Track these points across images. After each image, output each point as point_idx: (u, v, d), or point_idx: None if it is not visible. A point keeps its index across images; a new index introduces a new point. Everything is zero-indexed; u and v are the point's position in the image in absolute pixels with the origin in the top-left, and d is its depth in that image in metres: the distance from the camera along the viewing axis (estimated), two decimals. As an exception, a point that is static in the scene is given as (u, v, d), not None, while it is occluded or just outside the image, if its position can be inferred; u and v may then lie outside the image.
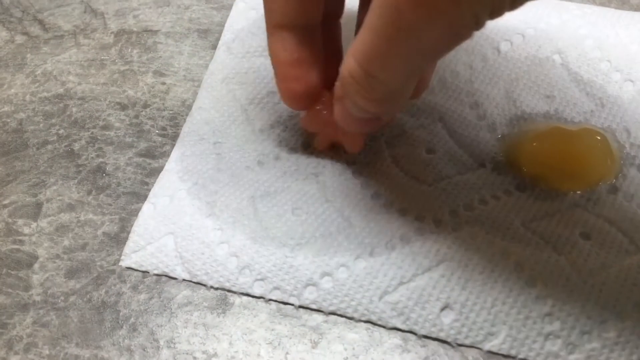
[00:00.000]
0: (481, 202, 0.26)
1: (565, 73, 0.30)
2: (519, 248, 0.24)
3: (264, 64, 0.32)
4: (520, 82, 0.31)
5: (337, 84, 0.23)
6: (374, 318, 0.24)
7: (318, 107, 0.26)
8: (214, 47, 0.33)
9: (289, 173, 0.28)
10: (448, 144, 0.29)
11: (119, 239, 0.27)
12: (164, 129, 0.30)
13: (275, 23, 0.23)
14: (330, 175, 0.28)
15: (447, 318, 0.23)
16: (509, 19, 0.32)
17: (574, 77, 0.30)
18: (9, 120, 0.31)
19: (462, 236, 0.25)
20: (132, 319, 0.25)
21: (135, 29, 0.34)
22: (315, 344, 0.24)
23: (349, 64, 0.20)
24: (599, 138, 0.28)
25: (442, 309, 0.23)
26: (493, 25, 0.32)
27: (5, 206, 0.28)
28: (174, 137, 0.30)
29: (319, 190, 0.27)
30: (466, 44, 0.31)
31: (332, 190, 0.27)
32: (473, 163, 0.28)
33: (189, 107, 0.31)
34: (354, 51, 0.20)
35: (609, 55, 0.30)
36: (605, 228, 0.25)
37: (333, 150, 0.28)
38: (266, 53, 0.32)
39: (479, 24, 0.18)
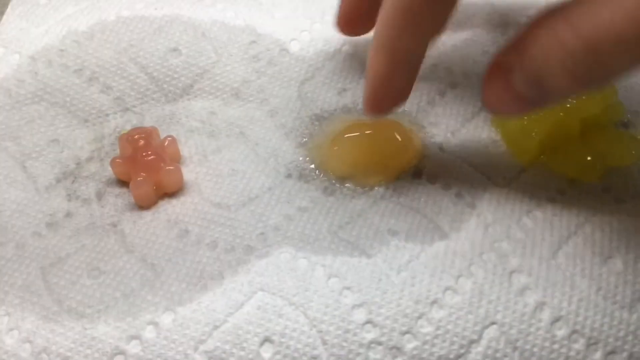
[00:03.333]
0: (287, 218, 0.25)
1: (356, 63, 0.30)
2: (330, 259, 0.23)
3: (38, 111, 0.29)
4: (314, 80, 0.30)
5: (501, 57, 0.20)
6: (192, 372, 0.22)
7: None
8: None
9: (83, 230, 0.25)
10: (252, 160, 0.27)
11: None
12: None
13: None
14: (129, 221, 0.26)
15: (267, 353, 0.22)
16: (297, 17, 0.31)
17: (365, 65, 0.30)
18: None
19: (273, 261, 0.24)
20: None
21: None
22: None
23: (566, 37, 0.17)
24: (394, 125, 0.27)
25: (262, 344, 0.22)
26: (278, 26, 0.30)
27: None
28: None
29: (117, 242, 0.25)
30: (254, 50, 0.30)
31: (131, 239, 0.25)
32: (278, 175, 0.27)
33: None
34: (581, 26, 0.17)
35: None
36: (410, 217, 0.25)
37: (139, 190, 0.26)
38: (40, 98, 0.29)
39: None
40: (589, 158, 0.25)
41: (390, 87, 0.22)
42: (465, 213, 0.25)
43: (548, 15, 0.19)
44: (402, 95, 0.23)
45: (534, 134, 0.25)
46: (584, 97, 0.26)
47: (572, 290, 0.22)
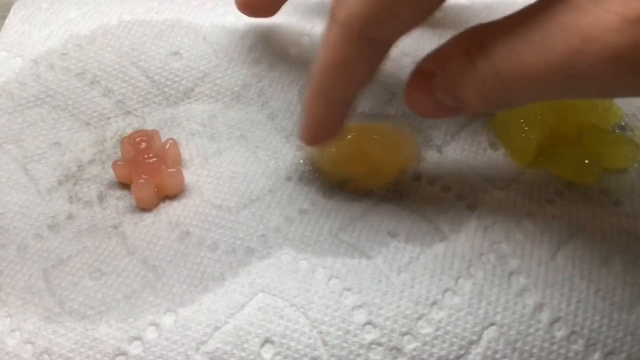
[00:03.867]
0: (287, 220, 0.25)
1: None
2: (330, 261, 0.24)
3: (40, 114, 0.29)
4: (315, 84, 0.30)
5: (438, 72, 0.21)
6: (193, 374, 0.22)
7: None
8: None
9: (84, 232, 0.26)
10: (252, 162, 0.28)
11: None
12: None
13: (331, 98, 0.22)
14: (130, 223, 0.26)
15: (268, 354, 0.22)
16: (297, 21, 0.31)
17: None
18: None
19: (274, 262, 0.24)
20: None
21: None
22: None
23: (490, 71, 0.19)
24: (394, 128, 0.28)
25: (262, 345, 0.22)
26: (278, 30, 0.31)
27: None
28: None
29: (119, 244, 0.25)
30: (254, 54, 0.30)
31: (133, 241, 0.25)
32: (279, 178, 0.27)
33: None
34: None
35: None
36: (410, 219, 0.25)
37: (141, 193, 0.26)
38: (42, 101, 0.29)
39: None
40: (586, 161, 0.25)
41: (325, 127, 0.24)
42: (464, 215, 0.25)
43: (469, 40, 0.20)
44: (334, 131, 0.24)
45: (532, 136, 0.26)
46: (580, 101, 0.26)
47: (571, 291, 0.22)
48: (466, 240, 0.24)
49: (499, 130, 0.27)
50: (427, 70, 0.22)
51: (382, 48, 0.21)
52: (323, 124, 0.23)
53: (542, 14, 0.18)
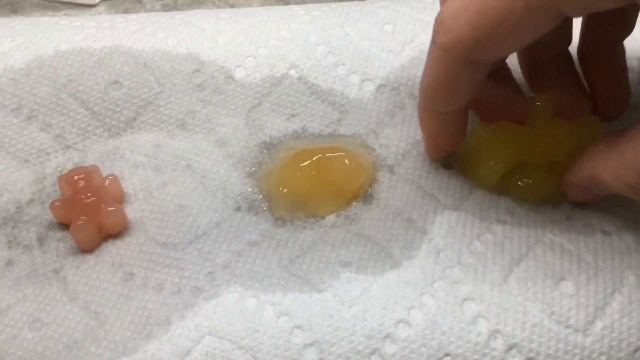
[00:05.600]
0: (236, 255, 0.24)
1: (303, 87, 0.29)
2: (280, 296, 0.23)
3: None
4: (262, 107, 0.29)
5: (576, 173, 0.23)
6: None
7: None
8: None
9: (24, 278, 0.24)
10: (199, 193, 0.27)
11: None
12: None
13: (440, 111, 0.24)
14: (72, 266, 0.25)
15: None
16: (241, 42, 0.30)
17: (312, 89, 0.29)
18: None
19: (221, 302, 0.23)
20: None
21: None
22: None
23: (629, 177, 0.21)
24: (344, 151, 0.27)
25: (211, 392, 0.21)
26: (221, 53, 0.30)
27: None
28: None
29: (60, 290, 0.24)
30: (198, 79, 0.29)
31: (74, 285, 0.24)
32: (227, 209, 0.26)
33: None
34: (637, 167, 0.20)
35: (342, 59, 0.30)
36: (362, 245, 0.24)
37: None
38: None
39: None
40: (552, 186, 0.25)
41: (442, 141, 0.25)
42: (416, 239, 0.24)
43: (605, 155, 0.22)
44: (455, 142, 0.25)
45: (498, 168, 0.25)
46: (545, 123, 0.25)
47: (524, 316, 0.22)
48: (418, 266, 0.23)
49: (464, 159, 0.26)
50: (581, 182, 0.24)
51: (482, 67, 0.22)
52: (439, 137, 0.25)
53: None
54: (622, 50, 0.26)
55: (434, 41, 0.22)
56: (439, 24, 0.21)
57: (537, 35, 0.20)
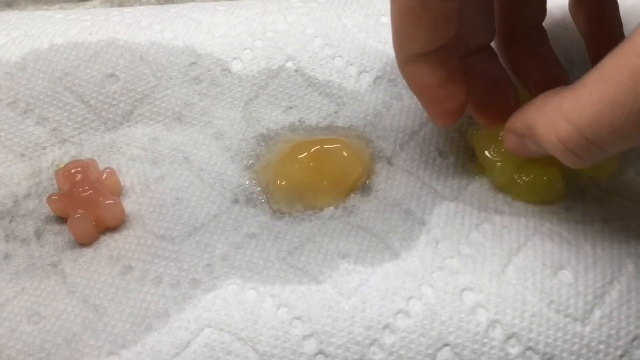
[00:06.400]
0: (234, 247, 0.24)
1: (300, 79, 0.29)
2: (279, 288, 0.23)
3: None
4: (259, 100, 0.29)
5: (515, 120, 0.22)
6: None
7: None
8: None
9: (22, 272, 0.24)
10: (196, 186, 0.27)
11: None
12: None
13: (411, 53, 0.23)
14: (70, 260, 0.25)
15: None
16: (237, 34, 0.30)
17: (309, 81, 0.29)
18: None
19: (220, 294, 0.23)
20: None
21: None
22: None
23: (562, 129, 0.19)
24: (342, 142, 0.27)
25: (211, 383, 0.21)
26: (218, 46, 0.30)
27: None
28: None
29: (58, 284, 0.24)
30: (195, 72, 0.29)
31: (72, 279, 0.24)
32: (224, 201, 0.26)
33: None
34: (573, 118, 0.19)
35: (339, 51, 0.30)
36: (360, 237, 0.24)
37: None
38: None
39: None
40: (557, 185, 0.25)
41: (436, 96, 0.24)
42: (414, 230, 0.24)
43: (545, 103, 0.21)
44: (451, 96, 0.24)
45: (507, 169, 0.25)
46: None
47: (523, 305, 0.22)
48: (417, 257, 0.23)
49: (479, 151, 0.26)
50: (518, 129, 0.23)
51: None
52: (431, 91, 0.23)
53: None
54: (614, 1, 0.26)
55: None
56: None
57: None
